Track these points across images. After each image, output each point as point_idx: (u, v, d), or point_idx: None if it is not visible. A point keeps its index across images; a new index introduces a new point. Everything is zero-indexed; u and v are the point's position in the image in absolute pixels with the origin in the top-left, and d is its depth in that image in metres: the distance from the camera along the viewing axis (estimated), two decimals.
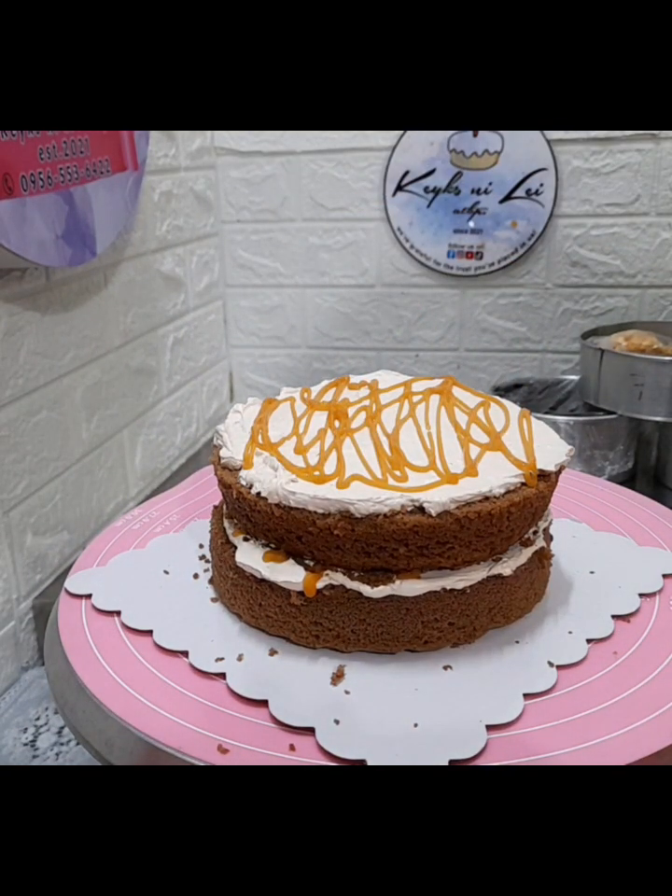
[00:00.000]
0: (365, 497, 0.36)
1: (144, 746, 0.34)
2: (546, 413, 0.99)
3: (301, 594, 0.38)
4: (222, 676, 0.37)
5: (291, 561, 0.39)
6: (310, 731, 0.34)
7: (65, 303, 0.80)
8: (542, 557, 0.42)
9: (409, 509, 0.36)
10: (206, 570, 0.46)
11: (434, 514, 0.36)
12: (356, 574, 0.38)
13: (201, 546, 0.48)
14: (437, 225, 1.10)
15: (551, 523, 0.44)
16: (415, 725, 0.34)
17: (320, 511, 0.37)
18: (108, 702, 0.36)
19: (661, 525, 0.50)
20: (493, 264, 1.10)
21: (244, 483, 0.39)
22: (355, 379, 0.50)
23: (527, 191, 1.05)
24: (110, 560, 0.47)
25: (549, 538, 0.43)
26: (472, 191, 1.07)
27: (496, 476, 0.38)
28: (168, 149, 0.99)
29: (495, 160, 1.05)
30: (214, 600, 0.43)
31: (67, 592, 0.44)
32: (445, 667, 0.38)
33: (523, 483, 0.38)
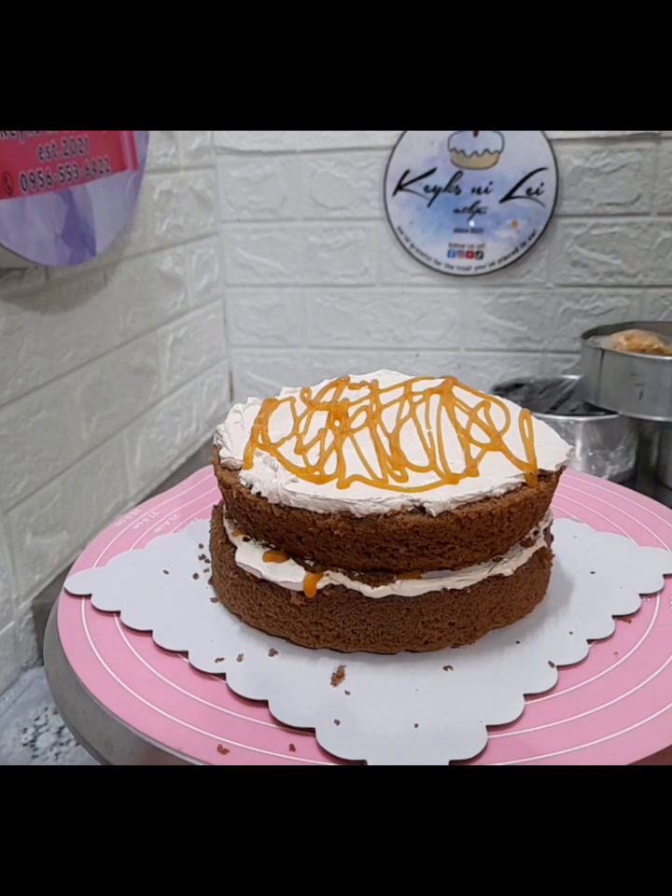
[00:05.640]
0: (365, 497, 0.36)
1: (144, 746, 0.34)
2: (547, 412, 0.99)
3: (301, 594, 0.38)
4: (222, 676, 0.37)
5: (291, 561, 0.39)
6: (310, 731, 0.34)
7: (65, 303, 0.80)
8: (543, 557, 0.42)
9: (409, 509, 0.36)
10: (206, 570, 0.45)
11: (434, 514, 0.36)
12: (356, 574, 0.38)
13: (201, 546, 0.48)
14: (437, 224, 1.10)
15: (551, 523, 0.44)
16: (416, 725, 0.34)
17: (320, 510, 0.36)
18: (108, 702, 0.36)
19: (662, 524, 0.50)
20: (493, 264, 1.10)
21: (244, 483, 0.39)
22: (355, 379, 0.49)
23: (528, 191, 1.05)
24: (110, 560, 0.47)
25: (550, 538, 0.43)
26: (473, 191, 1.07)
27: (496, 476, 0.38)
28: (168, 149, 0.99)
29: (495, 159, 1.05)
30: (214, 600, 0.43)
31: (67, 592, 0.44)
32: (446, 668, 0.38)
33: (523, 483, 0.38)
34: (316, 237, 1.15)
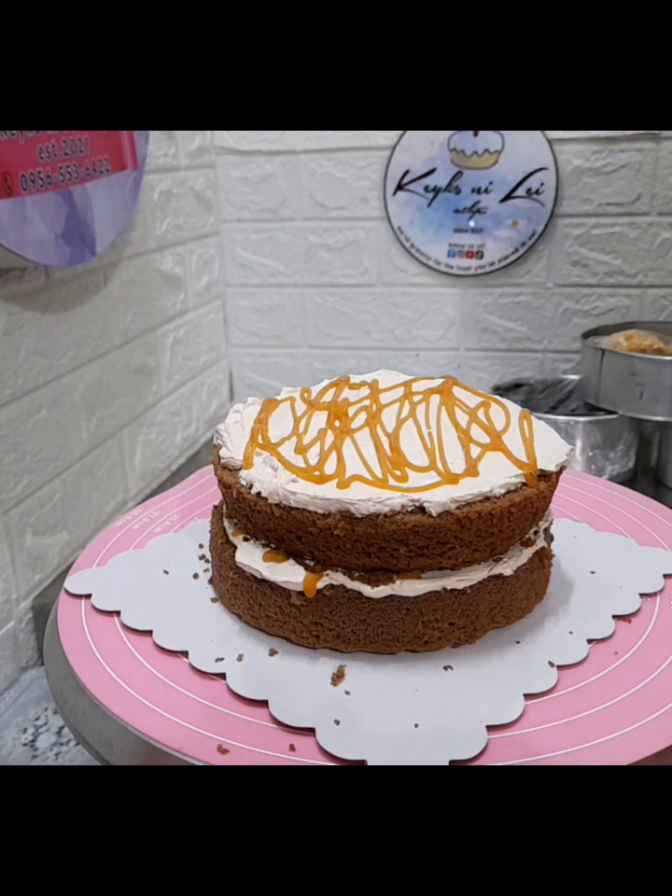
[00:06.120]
0: (365, 497, 0.36)
1: (144, 746, 0.34)
2: (547, 412, 0.99)
3: (301, 594, 0.38)
4: (222, 676, 0.37)
5: (291, 561, 0.39)
6: (310, 731, 0.34)
7: (65, 303, 0.80)
8: (543, 557, 0.42)
9: (409, 509, 0.36)
10: (206, 570, 0.45)
11: (434, 514, 0.36)
12: (356, 574, 0.38)
13: (201, 546, 0.48)
14: (437, 224, 1.10)
15: (551, 523, 0.44)
16: (416, 725, 0.34)
17: (320, 510, 0.36)
18: (108, 702, 0.36)
19: (662, 524, 0.50)
20: (493, 264, 1.10)
21: (244, 483, 0.39)
22: (355, 379, 0.49)
23: (528, 191, 1.05)
24: (110, 560, 0.47)
25: (550, 538, 0.43)
26: (473, 191, 1.07)
27: (496, 476, 0.38)
28: (168, 149, 0.99)
29: (495, 159, 1.05)
30: (214, 600, 0.43)
31: (67, 592, 0.44)
32: (446, 668, 0.38)
33: (523, 483, 0.38)
34: (316, 237, 1.15)
